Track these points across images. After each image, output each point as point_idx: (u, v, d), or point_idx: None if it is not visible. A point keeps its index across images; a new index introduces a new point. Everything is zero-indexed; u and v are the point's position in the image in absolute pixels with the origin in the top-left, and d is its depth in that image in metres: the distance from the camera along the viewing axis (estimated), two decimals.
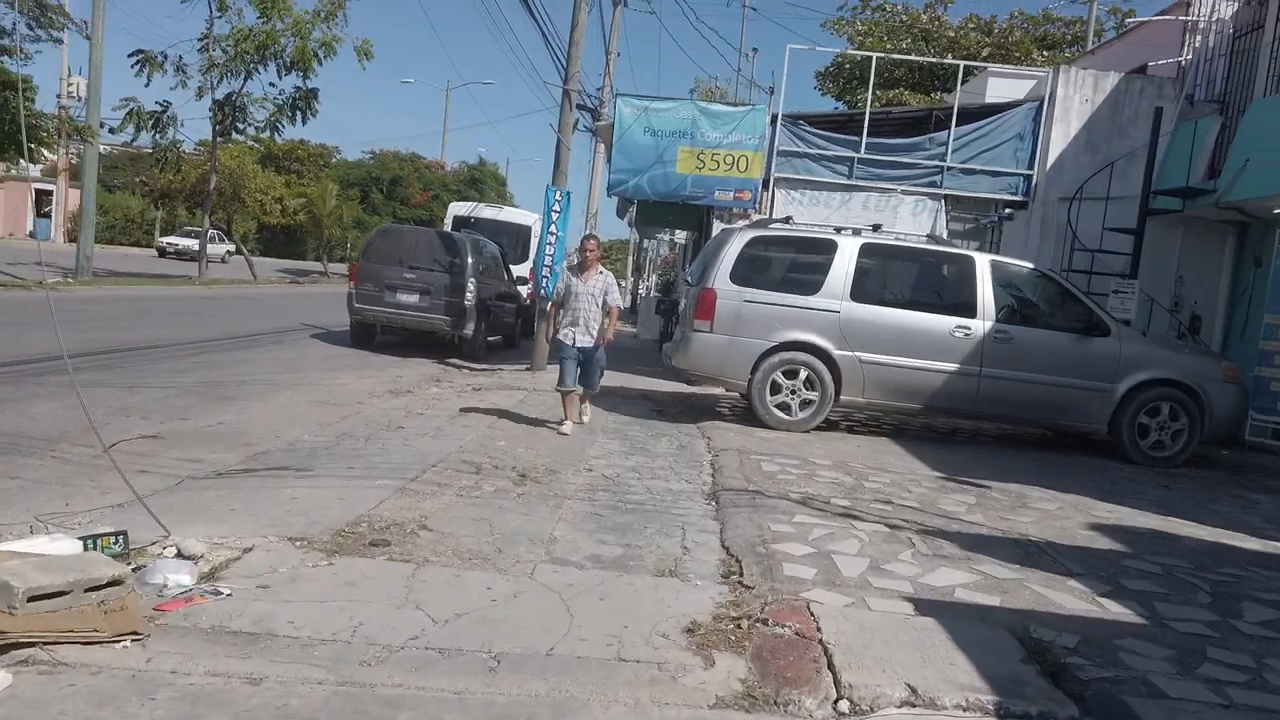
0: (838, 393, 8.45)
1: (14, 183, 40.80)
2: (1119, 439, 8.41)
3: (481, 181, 42.41)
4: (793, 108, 13.06)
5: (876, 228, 8.97)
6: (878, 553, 4.59)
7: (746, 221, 10.46)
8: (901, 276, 8.76)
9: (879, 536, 4.92)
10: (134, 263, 28.71)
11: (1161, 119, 10.79)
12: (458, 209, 19.22)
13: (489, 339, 14.27)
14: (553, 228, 11.74)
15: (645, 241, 46.14)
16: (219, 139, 24.02)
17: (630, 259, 47.84)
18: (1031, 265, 8.85)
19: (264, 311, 17.55)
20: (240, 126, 24.14)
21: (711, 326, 8.45)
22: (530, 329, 19.35)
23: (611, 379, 11.89)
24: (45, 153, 43.14)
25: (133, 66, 21.83)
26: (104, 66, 20.24)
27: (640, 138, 11.94)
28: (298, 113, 23.10)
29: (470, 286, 12.97)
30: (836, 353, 8.37)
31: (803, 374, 8.41)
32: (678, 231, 24.44)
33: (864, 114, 12.09)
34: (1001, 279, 8.56)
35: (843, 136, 12.08)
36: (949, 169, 11.84)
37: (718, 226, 12.01)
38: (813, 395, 8.44)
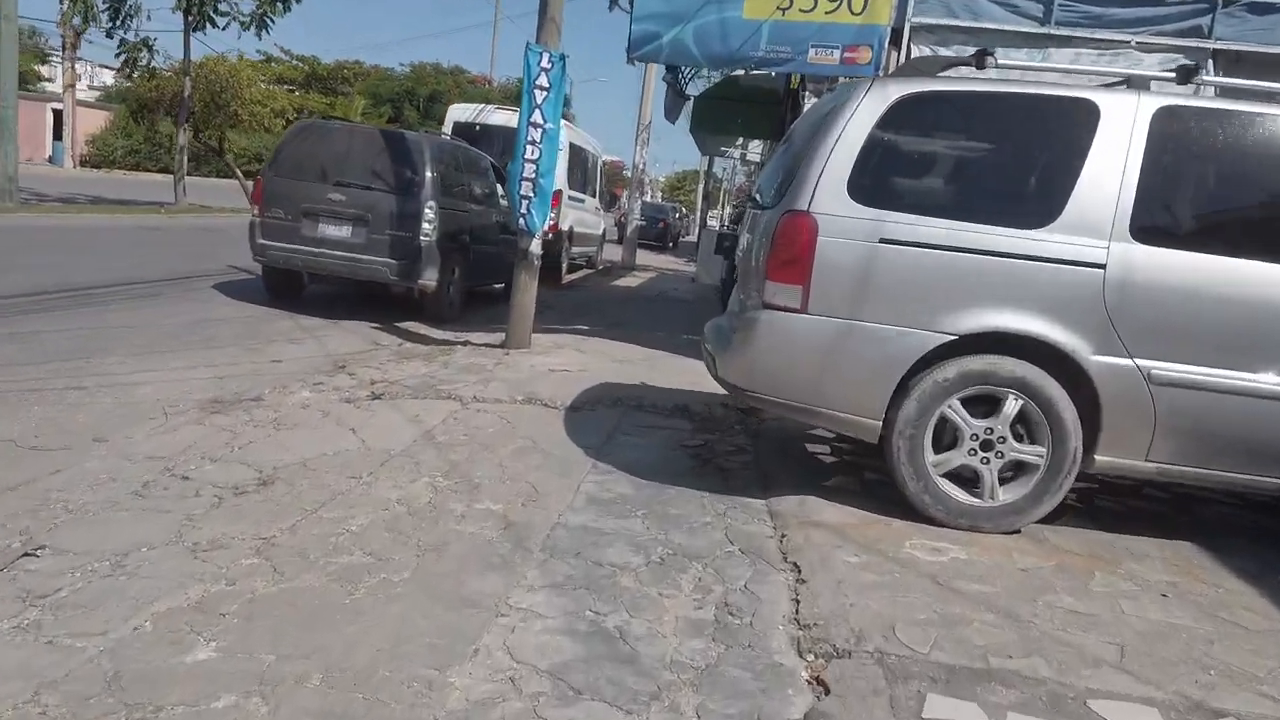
0: (1089, 449, 3.77)
1: (33, 102, 37.80)
2: None
3: None
4: None
5: (1189, 74, 4.05)
6: None
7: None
8: (1246, 187, 3.87)
9: None
10: (133, 188, 24.96)
11: None
12: (458, 112, 14.61)
13: (471, 287, 9.81)
14: (535, 114, 7.09)
15: (718, 166, 40.73)
16: (194, 34, 19.80)
17: (700, 186, 42.60)
18: None
19: (204, 246, 13.38)
20: (218, 20, 19.84)
21: (804, 296, 3.79)
22: (557, 273, 14.88)
23: (634, 365, 7.23)
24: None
25: None
26: None
27: None
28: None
29: (428, 213, 8.49)
30: (1093, 359, 3.64)
31: (1010, 406, 3.73)
32: (751, 145, 19.15)
33: None
34: None
35: None
36: (1224, 5, 6.74)
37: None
38: (1032, 453, 3.76)
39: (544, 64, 7.05)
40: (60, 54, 32.01)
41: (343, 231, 8.55)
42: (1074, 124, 3.74)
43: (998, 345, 3.73)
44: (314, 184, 8.59)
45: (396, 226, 8.49)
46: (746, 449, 5.12)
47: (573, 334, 8.77)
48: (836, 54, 6.85)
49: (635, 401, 5.98)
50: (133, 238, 13.76)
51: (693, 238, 37.77)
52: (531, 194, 7.20)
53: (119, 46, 19.61)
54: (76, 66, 39.99)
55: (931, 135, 3.91)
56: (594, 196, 17.01)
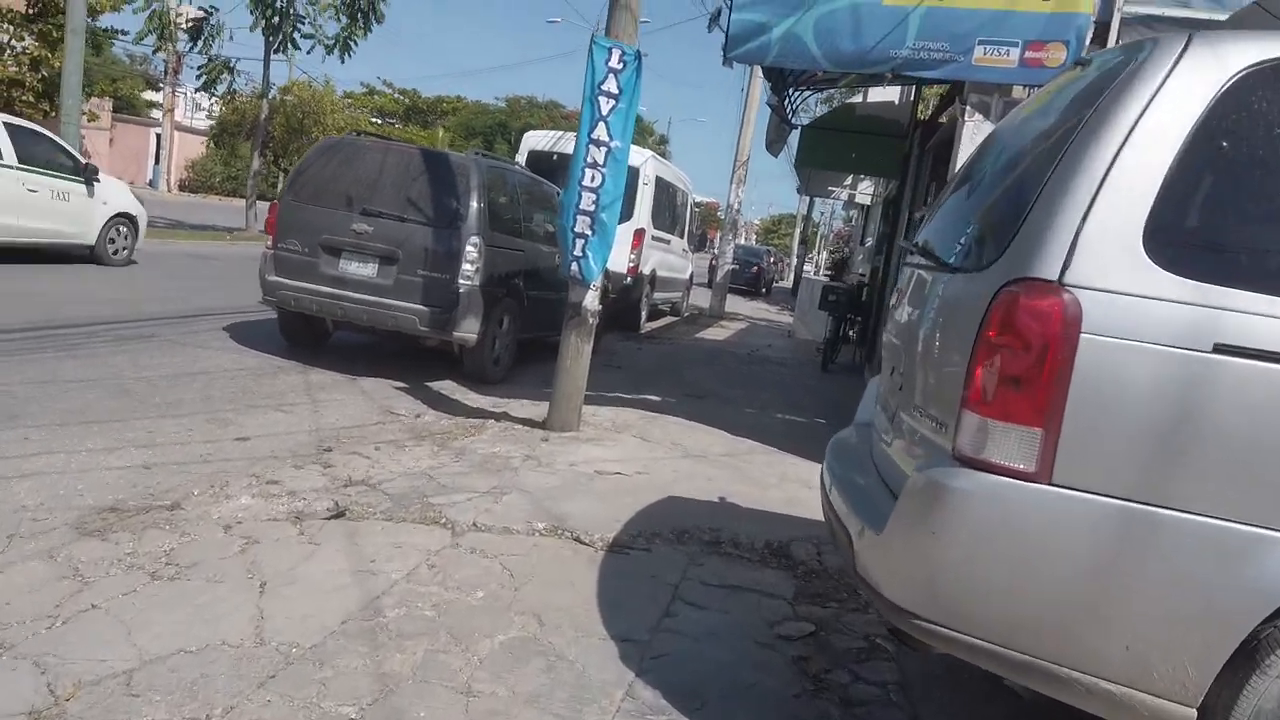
0: None
1: (136, 126, 38.56)
2: None
3: None
4: None
5: None
6: None
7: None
8: None
9: None
10: (218, 214, 24.41)
11: None
12: (534, 139, 13.10)
13: (527, 339, 8.11)
14: (599, 128, 5.38)
15: (816, 208, 38.67)
16: (274, 56, 19.04)
17: (797, 230, 40.57)
18: None
19: (248, 278, 12.09)
20: (299, 41, 19.04)
21: (1044, 450, 1.88)
22: (635, 320, 13.17)
23: (713, 464, 4.87)
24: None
25: None
26: None
27: None
28: (359, 16, 17.73)
29: (471, 251, 6.88)
30: None
31: None
32: (861, 185, 17.14)
33: None
34: None
35: None
36: None
37: (968, 149, 5.33)
38: None
39: (613, 63, 5.35)
40: (162, 79, 32.41)
41: (367, 270, 7.00)
42: None
43: None
44: (337, 212, 7.09)
45: (431, 267, 6.90)
46: (885, 650, 3.19)
47: (639, 408, 6.97)
48: (1015, 53, 4.93)
49: (710, 533, 4.12)
50: (176, 266, 12.64)
51: (787, 284, 35.72)
52: (589, 231, 5.47)
53: (200, 69, 19.01)
54: (185, 93, 40.72)
55: None
56: (682, 237, 15.30)
